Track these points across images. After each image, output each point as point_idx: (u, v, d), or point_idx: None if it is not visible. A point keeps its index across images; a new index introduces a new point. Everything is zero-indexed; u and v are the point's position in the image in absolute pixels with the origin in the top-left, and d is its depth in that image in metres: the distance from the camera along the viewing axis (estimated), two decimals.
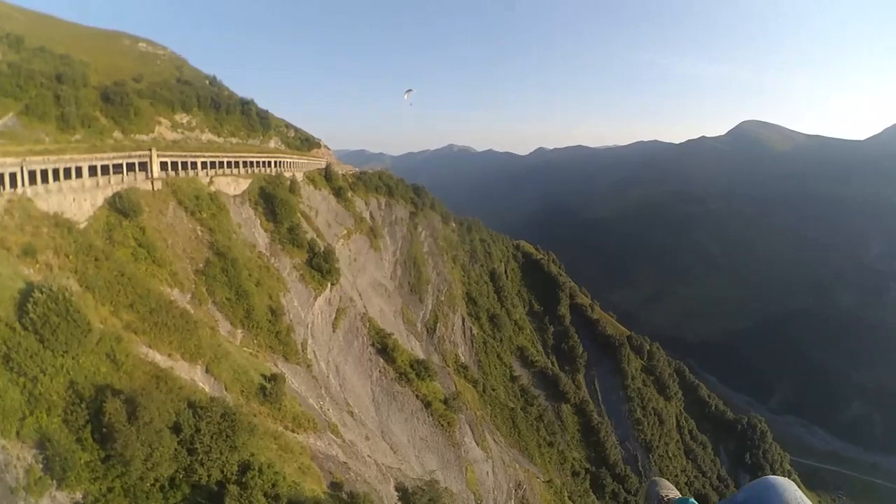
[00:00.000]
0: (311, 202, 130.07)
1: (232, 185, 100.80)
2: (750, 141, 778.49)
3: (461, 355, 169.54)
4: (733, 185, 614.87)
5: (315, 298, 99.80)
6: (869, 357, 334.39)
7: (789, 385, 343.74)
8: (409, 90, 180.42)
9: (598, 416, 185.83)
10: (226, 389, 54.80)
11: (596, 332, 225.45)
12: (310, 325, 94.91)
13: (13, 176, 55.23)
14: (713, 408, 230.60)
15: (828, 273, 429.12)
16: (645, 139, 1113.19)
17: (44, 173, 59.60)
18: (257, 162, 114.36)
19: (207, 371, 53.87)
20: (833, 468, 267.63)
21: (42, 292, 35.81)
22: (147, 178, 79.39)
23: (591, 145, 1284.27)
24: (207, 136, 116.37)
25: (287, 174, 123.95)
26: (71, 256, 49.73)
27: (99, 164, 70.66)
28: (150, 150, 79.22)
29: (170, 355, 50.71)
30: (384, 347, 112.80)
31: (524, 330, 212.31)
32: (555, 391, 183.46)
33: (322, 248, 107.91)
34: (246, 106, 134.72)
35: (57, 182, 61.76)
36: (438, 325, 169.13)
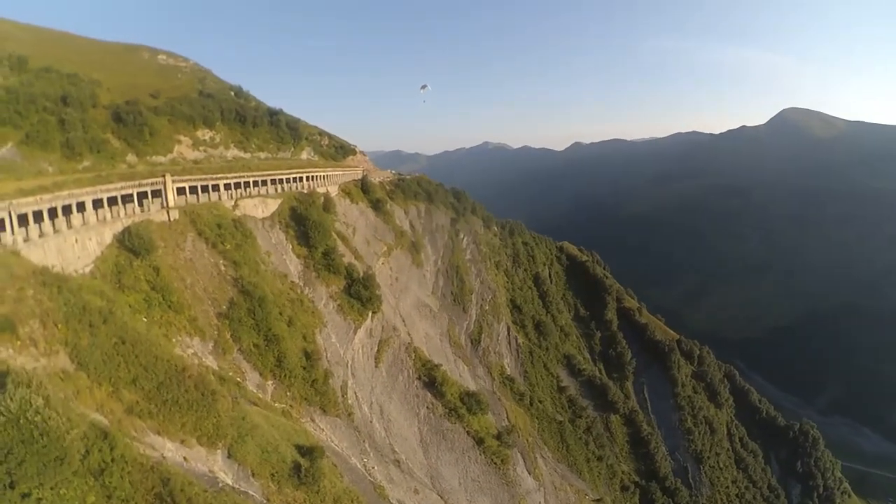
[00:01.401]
0: (347, 218, 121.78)
1: (259, 208, 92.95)
2: (791, 129, 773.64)
3: (507, 367, 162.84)
4: (775, 176, 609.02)
5: (355, 331, 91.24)
6: None
7: (837, 385, 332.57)
8: (425, 86, 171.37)
9: (647, 427, 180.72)
10: (252, 476, 46.25)
11: (644, 337, 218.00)
12: (350, 364, 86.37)
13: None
14: (764, 413, 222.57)
15: (875, 267, 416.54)
16: (683, 130, 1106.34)
17: (37, 215, 51.99)
18: (287, 179, 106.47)
19: (230, 456, 45.41)
20: (883, 473, 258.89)
21: (1, 413, 27.27)
22: (162, 206, 71.72)
23: (628, 138, 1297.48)
24: (233, 152, 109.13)
25: (321, 189, 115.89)
26: (60, 326, 41.55)
27: (105, 196, 63.05)
28: (163, 175, 71.39)
29: (183, 441, 42.32)
30: (432, 381, 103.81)
31: (570, 336, 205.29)
32: (603, 401, 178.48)
33: (361, 274, 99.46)
34: (274, 117, 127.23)
35: (55, 223, 54.22)
36: (483, 336, 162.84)
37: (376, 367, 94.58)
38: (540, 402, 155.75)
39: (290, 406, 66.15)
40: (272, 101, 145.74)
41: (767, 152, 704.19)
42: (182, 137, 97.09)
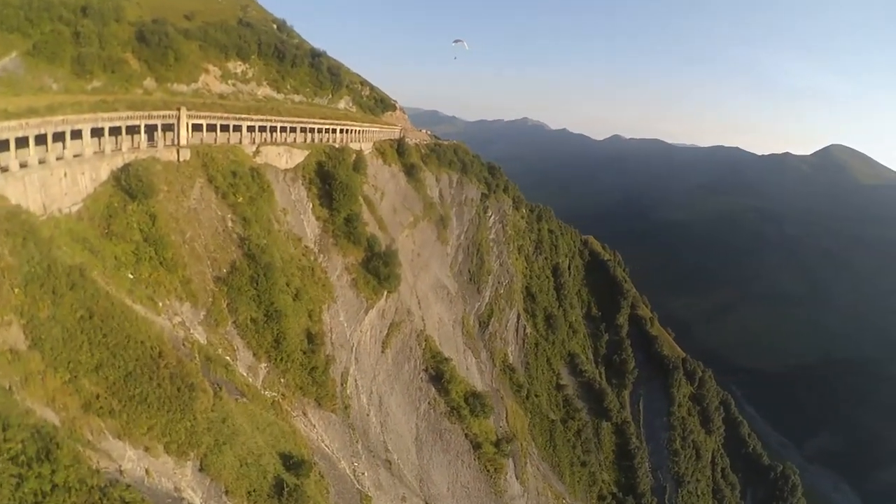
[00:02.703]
0: (377, 181, 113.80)
1: (284, 157, 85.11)
2: (836, 167, 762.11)
3: (510, 355, 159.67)
4: (813, 211, 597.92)
5: (366, 311, 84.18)
6: None
7: (829, 435, 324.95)
8: (458, 40, 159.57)
9: (636, 440, 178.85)
10: (226, 494, 39.66)
11: (651, 350, 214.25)
12: (355, 347, 79.50)
13: None
14: (750, 448, 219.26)
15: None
16: (726, 144, 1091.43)
17: (22, 141, 44.56)
18: (320, 129, 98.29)
19: (202, 469, 38.87)
20: None
21: None
22: (172, 143, 64.07)
23: (668, 141, 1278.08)
24: (265, 90, 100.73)
25: (354, 146, 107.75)
26: (18, 290, 34.47)
27: (107, 125, 55.54)
28: (178, 108, 63.42)
29: (148, 449, 35.72)
30: (439, 375, 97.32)
31: (578, 334, 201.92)
32: (598, 406, 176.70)
33: (383, 247, 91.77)
34: (316, 58, 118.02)
35: (42, 151, 46.88)
36: (493, 319, 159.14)
37: (382, 352, 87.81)
38: (536, 396, 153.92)
39: (283, 395, 59.42)
40: (316, 44, 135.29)
41: (808, 185, 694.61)
42: (211, 67, 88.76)
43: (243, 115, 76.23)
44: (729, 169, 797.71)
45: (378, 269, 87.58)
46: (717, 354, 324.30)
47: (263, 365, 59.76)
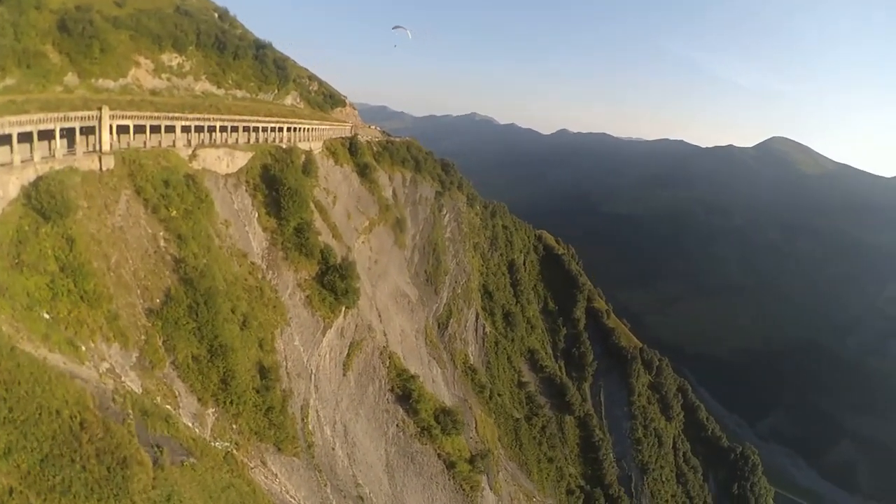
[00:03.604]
0: (329, 184, 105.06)
1: (225, 161, 75.90)
2: (778, 158, 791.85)
3: (471, 355, 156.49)
4: (758, 202, 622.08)
5: (324, 332, 75.86)
6: (867, 404, 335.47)
7: (781, 414, 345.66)
8: (400, 27, 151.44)
9: (599, 432, 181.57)
10: None
11: (609, 341, 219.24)
12: (313, 374, 71.23)
13: None
14: (709, 432, 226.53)
15: (840, 310, 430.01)
16: (671, 137, 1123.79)
17: None
18: (265, 127, 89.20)
19: None
20: None
21: None
22: (93, 150, 54.49)
23: (615, 134, 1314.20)
24: (204, 85, 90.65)
25: (303, 145, 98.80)
26: None
27: (15, 130, 45.97)
28: (99, 108, 53.83)
29: None
30: (406, 394, 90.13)
31: (536, 329, 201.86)
32: (560, 401, 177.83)
33: (339, 259, 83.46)
34: (261, 50, 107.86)
35: None
36: (451, 320, 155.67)
37: (344, 375, 79.76)
38: (499, 395, 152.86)
39: (236, 445, 50.77)
40: (261, 35, 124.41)
41: (753, 177, 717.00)
42: (142, 60, 78.36)
43: (177, 115, 66.71)
44: (675, 162, 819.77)
45: (334, 283, 79.26)
46: (670, 343, 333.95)
47: (211, 410, 51.07)
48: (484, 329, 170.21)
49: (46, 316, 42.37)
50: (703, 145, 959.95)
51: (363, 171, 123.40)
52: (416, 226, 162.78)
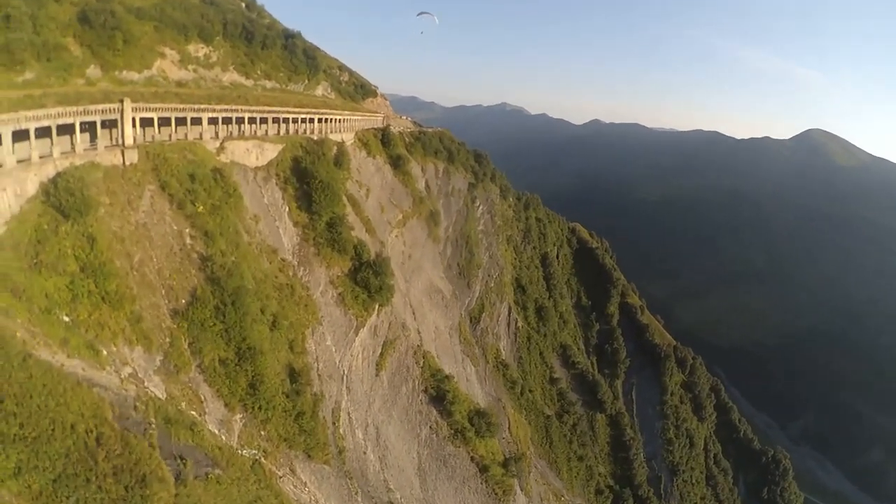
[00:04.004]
0: (361, 176, 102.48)
1: (254, 153, 73.66)
2: (814, 150, 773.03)
3: (502, 350, 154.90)
4: (790, 192, 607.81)
5: (356, 331, 73.25)
6: None
7: (812, 415, 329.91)
8: (425, 13, 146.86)
9: (630, 431, 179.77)
10: None
11: (643, 338, 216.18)
12: (345, 375, 68.74)
13: None
14: (742, 433, 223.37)
15: (873, 306, 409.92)
16: (705, 128, 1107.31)
17: None
18: (295, 118, 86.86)
19: None
20: None
21: None
22: (115, 144, 52.54)
23: (649, 125, 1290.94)
24: (231, 76, 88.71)
25: (334, 137, 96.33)
26: None
27: (33, 125, 44.07)
28: (121, 100, 51.75)
29: None
30: (440, 395, 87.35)
31: (568, 324, 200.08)
32: (592, 398, 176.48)
33: (372, 255, 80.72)
34: (290, 40, 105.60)
35: None
36: (484, 314, 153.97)
37: (377, 376, 77.22)
38: (531, 391, 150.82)
39: (264, 453, 48.52)
40: (290, 24, 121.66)
41: (787, 168, 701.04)
42: (167, 50, 76.57)
43: (203, 106, 64.47)
44: (706, 151, 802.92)
45: (368, 280, 76.63)
46: (695, 335, 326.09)
47: (238, 416, 48.81)
48: (516, 323, 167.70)
49: (66, 318, 40.51)
50: (739, 137, 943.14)
51: (396, 163, 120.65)
52: (449, 218, 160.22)
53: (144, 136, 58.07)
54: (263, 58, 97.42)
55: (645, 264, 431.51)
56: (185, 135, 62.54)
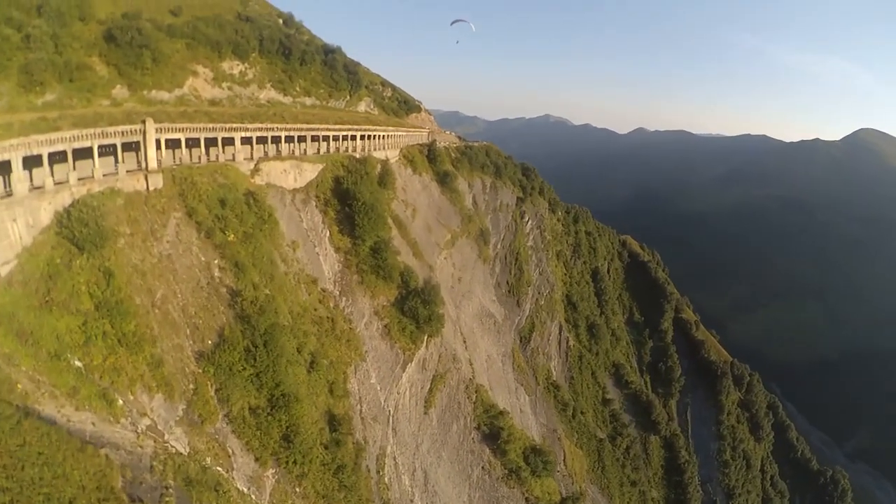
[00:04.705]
0: (407, 195, 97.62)
1: (292, 174, 69.25)
2: (865, 151, 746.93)
3: (553, 370, 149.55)
4: (843, 197, 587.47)
5: (404, 366, 67.75)
6: None
7: (869, 431, 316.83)
8: (461, 20, 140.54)
9: (685, 453, 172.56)
10: None
11: (698, 355, 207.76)
12: (391, 415, 63.25)
13: None
14: (799, 453, 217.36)
15: None
16: (753, 133, 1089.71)
17: None
18: (336, 136, 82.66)
19: None
20: None
21: None
22: (139, 168, 48.64)
23: (695, 132, 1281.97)
24: (269, 93, 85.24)
25: (378, 154, 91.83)
26: None
27: (46, 150, 40.41)
28: (143, 121, 47.79)
29: None
30: (493, 433, 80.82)
31: (621, 342, 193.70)
32: (645, 419, 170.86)
33: (421, 282, 75.24)
34: (330, 55, 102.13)
35: None
36: (534, 334, 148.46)
37: (426, 413, 71.50)
38: (582, 413, 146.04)
39: None
40: (329, 41, 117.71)
41: (839, 171, 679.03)
42: (200, 69, 73.40)
43: (236, 125, 60.30)
44: (755, 157, 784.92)
45: (416, 310, 71.01)
46: (747, 350, 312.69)
47: (271, 472, 43.68)
48: (567, 342, 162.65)
49: (77, 364, 36.50)
50: (788, 140, 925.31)
51: (443, 180, 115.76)
52: (498, 234, 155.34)
53: (174, 158, 54.36)
54: (302, 74, 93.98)
55: (696, 277, 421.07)
56: (217, 156, 58.52)
